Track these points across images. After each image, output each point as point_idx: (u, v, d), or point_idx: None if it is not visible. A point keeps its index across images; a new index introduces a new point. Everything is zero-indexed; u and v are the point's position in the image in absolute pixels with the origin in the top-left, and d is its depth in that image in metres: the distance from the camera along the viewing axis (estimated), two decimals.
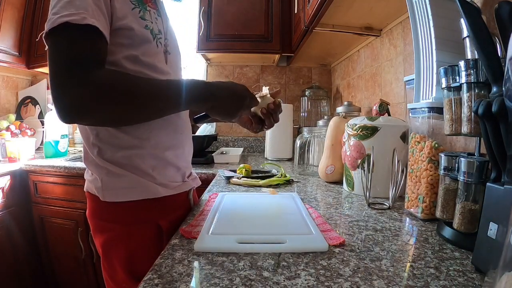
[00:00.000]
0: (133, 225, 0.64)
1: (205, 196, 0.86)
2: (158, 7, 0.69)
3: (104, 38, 0.54)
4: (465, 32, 0.51)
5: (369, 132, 0.84)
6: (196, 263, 0.44)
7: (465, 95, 0.50)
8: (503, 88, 0.38)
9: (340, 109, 1.35)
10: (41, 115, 2.05)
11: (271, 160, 1.67)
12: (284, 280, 0.39)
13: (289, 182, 1.04)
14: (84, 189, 0.70)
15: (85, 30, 0.51)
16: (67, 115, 0.50)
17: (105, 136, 0.63)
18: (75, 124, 2.33)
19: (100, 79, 0.51)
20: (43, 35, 0.52)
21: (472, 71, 0.49)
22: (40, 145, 1.94)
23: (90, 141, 0.63)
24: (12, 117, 1.87)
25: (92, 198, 0.66)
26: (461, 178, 0.50)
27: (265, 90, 0.74)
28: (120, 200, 0.62)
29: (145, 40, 0.63)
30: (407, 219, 0.66)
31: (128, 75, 0.57)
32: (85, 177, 0.70)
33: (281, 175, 1.06)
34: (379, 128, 0.83)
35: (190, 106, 0.63)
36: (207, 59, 2.04)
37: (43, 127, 1.89)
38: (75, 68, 0.49)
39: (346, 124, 0.93)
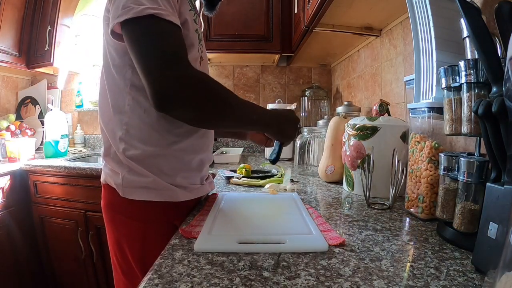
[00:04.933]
0: (149, 223, 0.65)
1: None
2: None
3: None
4: (465, 32, 0.51)
5: (369, 132, 0.84)
6: None
7: (465, 95, 0.50)
8: (503, 88, 0.38)
9: (340, 109, 1.34)
10: (41, 115, 2.05)
11: None
12: (284, 280, 0.39)
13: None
14: (102, 180, 0.69)
15: (170, 25, 0.53)
16: (162, 103, 0.51)
17: (136, 133, 0.63)
18: (75, 124, 2.30)
19: (197, 76, 0.53)
20: (116, 21, 0.52)
21: (472, 71, 0.49)
22: (40, 145, 1.94)
23: (118, 137, 0.63)
24: (12, 117, 1.87)
25: (110, 190, 0.66)
26: (461, 178, 0.50)
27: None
28: (139, 198, 0.63)
29: (193, 44, 0.64)
30: (407, 219, 0.66)
31: (219, 83, 0.58)
32: (103, 169, 0.69)
33: (281, 175, 1.06)
34: (379, 128, 0.83)
35: (258, 126, 0.69)
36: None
37: (43, 127, 1.89)
38: (175, 60, 0.51)
39: (346, 124, 0.93)
